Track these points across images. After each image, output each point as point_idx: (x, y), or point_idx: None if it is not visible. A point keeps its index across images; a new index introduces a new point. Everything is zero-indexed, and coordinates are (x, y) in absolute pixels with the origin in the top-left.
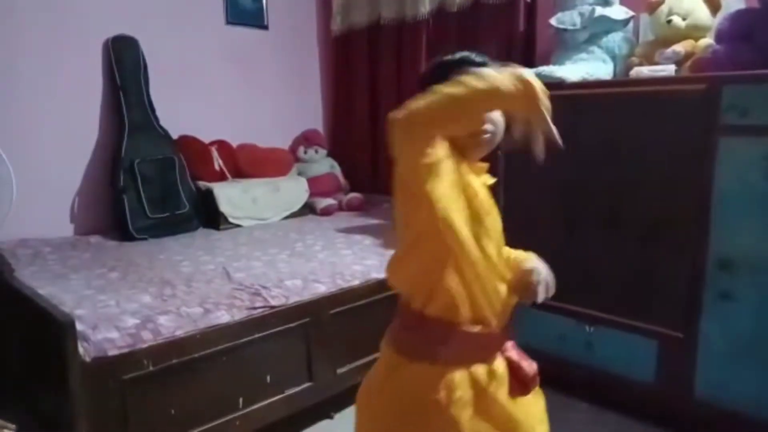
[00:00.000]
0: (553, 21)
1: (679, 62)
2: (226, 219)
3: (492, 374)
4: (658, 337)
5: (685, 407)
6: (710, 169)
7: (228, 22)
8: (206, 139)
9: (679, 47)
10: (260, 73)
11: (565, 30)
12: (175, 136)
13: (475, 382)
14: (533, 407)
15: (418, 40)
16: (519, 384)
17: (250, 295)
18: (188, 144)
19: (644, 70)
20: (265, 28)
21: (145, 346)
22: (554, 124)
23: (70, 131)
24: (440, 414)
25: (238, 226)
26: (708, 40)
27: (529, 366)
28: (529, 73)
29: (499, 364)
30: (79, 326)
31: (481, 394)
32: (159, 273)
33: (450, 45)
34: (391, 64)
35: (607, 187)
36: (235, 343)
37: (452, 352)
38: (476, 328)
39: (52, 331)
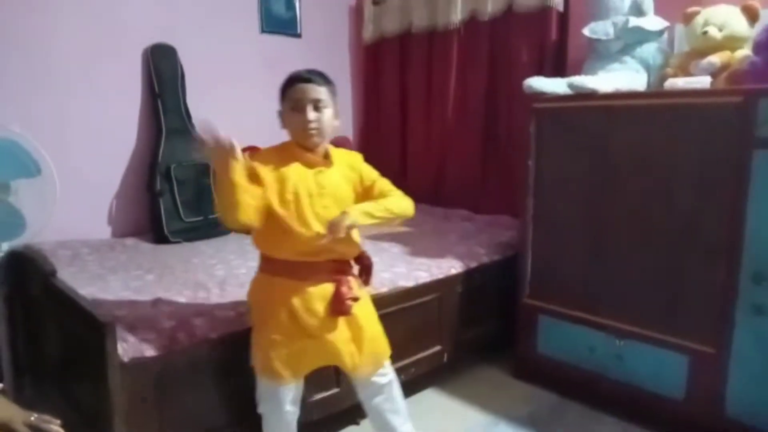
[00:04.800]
0: (586, 31)
1: (714, 74)
2: None
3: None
4: (689, 351)
5: (715, 426)
6: (746, 181)
7: (263, 31)
8: (240, 145)
9: (715, 58)
10: None
11: (598, 40)
12: None
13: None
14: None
15: (450, 49)
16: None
17: None
18: None
19: (679, 82)
20: (298, 36)
21: (180, 347)
22: (586, 133)
23: (109, 136)
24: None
25: None
26: (745, 51)
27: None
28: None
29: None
30: (118, 328)
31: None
32: (193, 276)
33: (481, 54)
34: (422, 73)
35: (639, 198)
36: None
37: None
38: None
39: (92, 331)
